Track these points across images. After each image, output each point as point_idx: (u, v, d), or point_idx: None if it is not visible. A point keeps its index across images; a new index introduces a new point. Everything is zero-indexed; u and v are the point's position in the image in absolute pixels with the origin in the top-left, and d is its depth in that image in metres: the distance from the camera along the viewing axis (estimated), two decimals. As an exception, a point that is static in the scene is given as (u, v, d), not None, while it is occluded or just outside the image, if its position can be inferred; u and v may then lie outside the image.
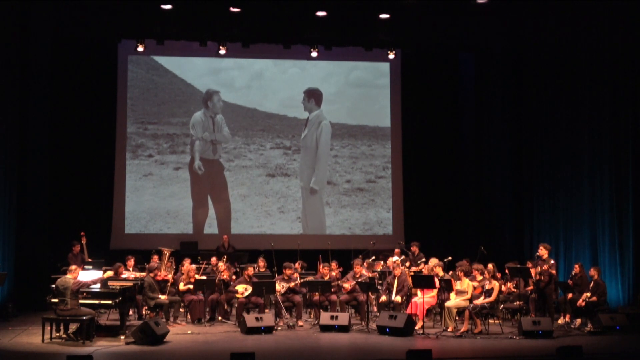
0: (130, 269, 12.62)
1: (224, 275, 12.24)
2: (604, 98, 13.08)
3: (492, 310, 11.13)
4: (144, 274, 12.15)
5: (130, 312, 11.88)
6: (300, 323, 11.74)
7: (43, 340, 10.06)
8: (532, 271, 11.46)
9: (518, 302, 11.64)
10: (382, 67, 17.14)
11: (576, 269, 11.91)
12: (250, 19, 14.54)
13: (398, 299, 11.72)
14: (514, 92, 15.68)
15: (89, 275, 10.76)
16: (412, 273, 12.67)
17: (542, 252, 11.74)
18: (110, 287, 10.76)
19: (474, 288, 11.29)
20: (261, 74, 16.90)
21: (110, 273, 11.14)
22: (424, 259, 13.61)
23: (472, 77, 16.80)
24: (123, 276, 11.61)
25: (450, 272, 12.17)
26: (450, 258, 12.89)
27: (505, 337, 10.72)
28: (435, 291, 11.60)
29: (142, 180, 16.27)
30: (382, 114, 17.14)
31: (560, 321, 11.72)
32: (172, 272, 12.49)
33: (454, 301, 11.21)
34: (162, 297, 11.64)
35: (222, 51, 15.37)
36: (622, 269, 12.51)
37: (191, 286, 11.98)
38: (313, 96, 16.85)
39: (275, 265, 13.60)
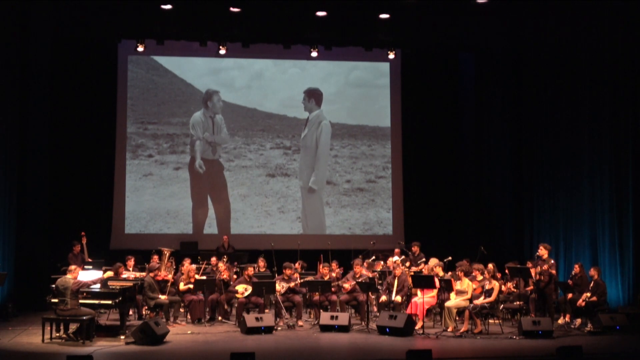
0: (130, 269, 12.61)
1: (223, 275, 12.24)
2: (604, 98, 13.08)
3: (492, 310, 11.13)
4: (144, 274, 12.15)
5: (130, 312, 11.88)
6: (300, 323, 11.74)
7: (43, 340, 10.06)
8: (532, 271, 11.46)
9: (518, 302, 11.64)
10: (382, 67, 17.14)
11: (576, 269, 11.92)
12: (250, 19, 14.54)
13: (398, 298, 11.72)
14: (514, 92, 15.68)
15: (89, 275, 10.76)
16: (412, 273, 12.67)
17: (542, 252, 11.74)
18: (110, 287, 10.76)
19: (474, 288, 11.28)
20: (261, 74, 16.90)
21: (110, 273, 11.15)
22: (424, 259, 13.61)
23: (472, 77, 16.80)
24: (123, 276, 11.60)
25: (450, 273, 12.16)
26: (450, 258, 12.89)
27: (505, 337, 10.72)
28: (435, 291, 11.60)
29: (142, 180, 16.27)
30: (382, 114, 17.14)
31: (560, 321, 11.72)
32: (172, 272, 12.49)
33: (454, 301, 11.21)
34: (162, 297, 11.64)
35: (222, 51, 15.37)
36: (622, 269, 12.51)
37: (191, 286, 11.98)
38: (313, 96, 16.86)
39: (275, 265, 13.60)
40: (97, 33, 14.88)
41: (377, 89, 17.21)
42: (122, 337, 10.29)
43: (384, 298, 11.95)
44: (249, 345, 9.94)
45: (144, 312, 11.91)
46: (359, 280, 12.00)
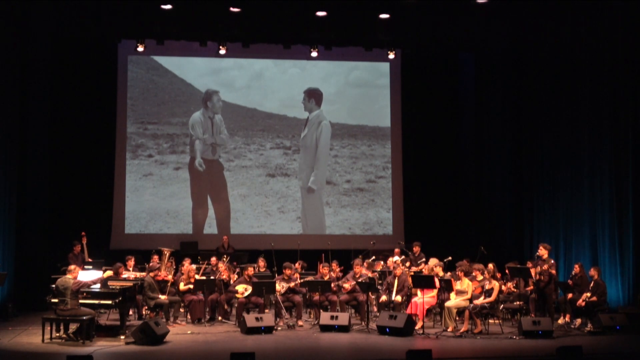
0: (130, 269, 12.61)
1: (223, 275, 12.24)
2: (604, 98, 13.07)
3: (492, 310, 11.13)
4: (144, 274, 12.15)
5: (130, 312, 11.88)
6: (300, 323, 11.74)
7: (43, 340, 10.06)
8: (532, 271, 11.45)
9: (518, 302, 11.64)
10: (382, 67, 17.14)
11: (576, 269, 11.92)
12: (250, 19, 14.53)
13: (398, 298, 11.72)
14: (514, 92, 15.68)
15: (89, 275, 10.76)
16: (412, 273, 12.67)
17: (542, 252, 11.74)
18: (110, 287, 10.76)
19: (474, 288, 11.29)
20: (261, 74, 16.90)
21: (110, 273, 11.15)
22: (424, 259, 13.61)
23: (472, 77, 16.80)
24: (123, 276, 11.60)
25: (450, 273, 12.16)
26: (450, 258, 12.89)
27: (505, 337, 10.72)
28: (435, 291, 11.60)
29: (142, 180, 16.27)
30: (382, 114, 17.14)
31: (560, 321, 11.72)
32: (172, 272, 12.50)
33: (454, 301, 11.21)
34: (162, 297, 11.64)
35: (222, 51, 15.37)
36: (622, 269, 12.51)
37: (191, 286, 11.98)
38: (313, 96, 16.86)
39: (275, 265, 13.60)
40: (97, 33, 14.89)
41: (377, 89, 17.20)
42: (122, 337, 10.29)
43: (384, 298, 11.95)
44: (249, 345, 9.95)
45: (144, 312, 11.91)
46: (359, 280, 12.00)
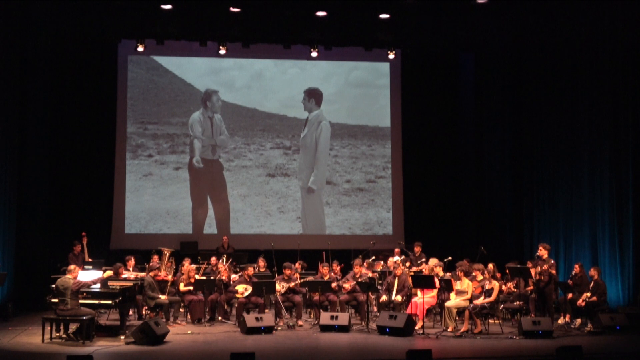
0: (130, 269, 12.61)
1: (222, 275, 12.24)
2: (604, 98, 13.08)
3: (492, 310, 11.13)
4: (144, 274, 12.15)
5: (130, 312, 11.87)
6: (300, 323, 11.74)
7: (43, 340, 10.06)
8: (532, 271, 11.46)
9: (518, 302, 11.63)
10: (382, 67, 17.14)
11: (576, 269, 11.92)
12: (250, 19, 14.54)
13: (399, 298, 11.72)
14: (514, 92, 15.68)
15: (89, 275, 10.76)
16: (412, 273, 12.67)
17: (542, 252, 11.74)
18: (110, 287, 10.76)
19: (474, 288, 11.29)
20: (261, 74, 16.90)
21: (110, 273, 11.15)
22: (424, 259, 13.60)
23: (472, 77, 16.80)
24: (123, 276, 11.61)
25: (449, 273, 12.15)
26: (450, 258, 12.89)
27: (505, 337, 10.72)
28: (435, 291, 11.60)
29: (142, 180, 16.27)
30: (382, 114, 17.14)
31: (560, 321, 11.72)
32: (172, 272, 12.50)
33: (454, 301, 11.21)
34: (162, 297, 11.64)
35: (222, 51, 15.38)
36: (622, 269, 12.51)
37: (191, 288, 11.98)
38: (313, 96, 16.86)
39: (275, 265, 13.60)
40: (97, 33, 14.88)
41: (377, 89, 17.20)
42: (122, 337, 10.29)
43: (384, 298, 11.95)
44: (249, 345, 9.95)
45: (144, 312, 11.91)
46: (359, 280, 12.00)
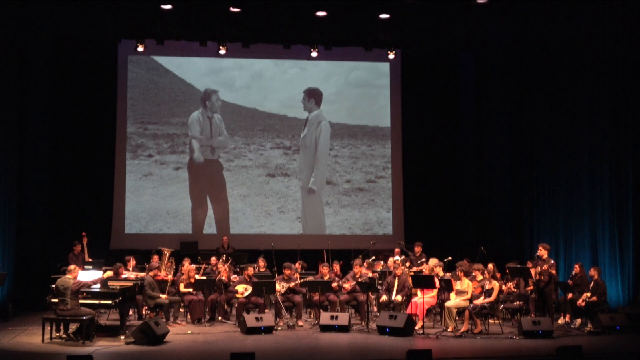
0: (130, 269, 12.61)
1: (223, 275, 12.24)
2: (604, 98, 13.07)
3: (492, 310, 11.13)
4: (144, 274, 12.15)
5: (130, 312, 11.87)
6: (300, 323, 11.74)
7: (43, 340, 10.06)
8: (532, 271, 11.46)
9: (518, 302, 11.63)
10: (382, 67, 17.13)
11: (576, 269, 11.92)
12: (250, 19, 14.54)
13: (399, 298, 11.72)
14: (514, 92, 15.67)
15: (89, 275, 10.76)
16: (412, 273, 12.66)
17: (542, 252, 11.75)
18: (110, 287, 10.76)
19: (474, 288, 11.29)
20: (261, 74, 16.90)
21: (110, 273, 11.16)
22: (424, 259, 13.60)
23: (472, 77, 16.79)
24: (123, 276, 11.61)
25: (449, 273, 12.15)
26: (450, 258, 12.88)
27: (505, 337, 10.72)
28: (435, 291, 11.60)
29: (142, 180, 16.27)
30: (382, 114, 17.14)
31: (560, 321, 11.72)
32: (172, 272, 12.50)
33: (454, 301, 11.21)
34: (163, 296, 11.65)
35: (222, 51, 15.38)
36: (622, 269, 12.51)
37: (192, 290, 11.98)
38: (313, 96, 16.85)
39: (275, 265, 13.59)
40: (97, 33, 14.89)
41: (377, 89, 17.20)
42: (122, 337, 10.29)
43: (384, 298, 11.95)
44: (249, 345, 9.95)
45: (144, 312, 11.91)
46: (359, 280, 12.00)
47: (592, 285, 11.56)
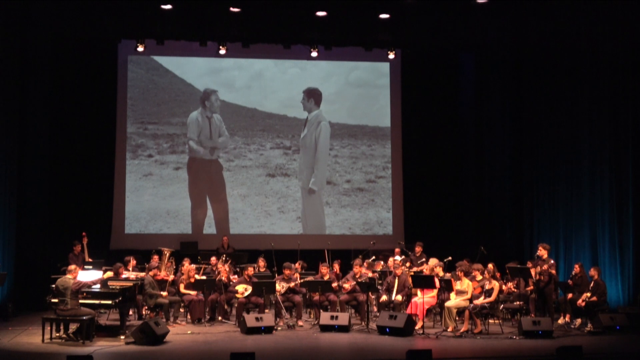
0: (130, 269, 12.61)
1: (223, 275, 12.25)
2: (604, 98, 13.08)
3: (492, 310, 11.13)
4: (144, 274, 12.15)
5: (130, 312, 11.87)
6: (300, 323, 11.75)
7: (43, 340, 10.06)
8: (532, 271, 11.46)
9: (518, 302, 11.64)
10: (382, 67, 17.13)
11: (576, 269, 11.93)
12: (250, 19, 14.53)
13: (399, 297, 11.72)
14: (514, 93, 15.67)
15: (89, 276, 10.76)
16: (412, 273, 12.67)
17: (542, 252, 11.75)
18: (110, 287, 10.76)
19: (474, 288, 11.29)
20: (261, 74, 16.89)
21: (110, 273, 11.16)
22: (424, 259, 13.60)
23: (472, 77, 16.79)
24: (123, 276, 11.61)
25: (449, 273, 12.15)
26: (450, 258, 12.89)
27: (505, 337, 10.73)
28: (435, 291, 11.60)
29: (142, 180, 16.26)
30: (382, 114, 17.14)
31: (560, 321, 11.72)
32: (172, 272, 12.51)
33: (454, 301, 11.21)
34: (163, 294, 11.66)
35: (222, 51, 15.37)
36: (622, 269, 12.52)
37: (192, 292, 11.98)
38: (313, 96, 16.85)
39: (275, 265, 13.60)
40: (97, 33, 14.87)
41: (377, 89, 17.20)
42: (122, 337, 10.29)
43: (384, 298, 11.95)
44: (249, 345, 9.95)
45: (144, 312, 11.91)
46: (359, 280, 12.00)
47: (592, 285, 11.56)
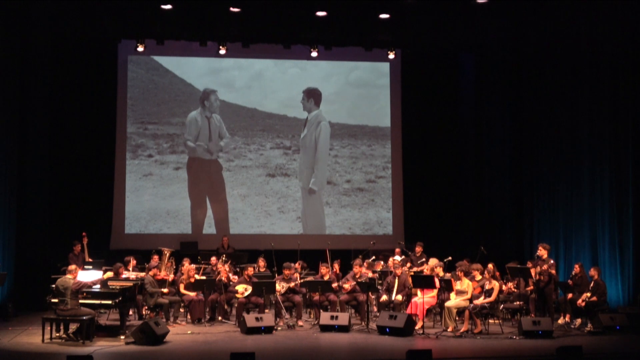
0: (131, 269, 12.61)
1: (222, 275, 12.25)
2: (604, 98, 13.07)
3: (492, 310, 11.13)
4: (144, 274, 12.16)
5: (130, 312, 11.87)
6: (300, 323, 11.75)
7: (43, 340, 10.06)
8: (532, 271, 11.46)
9: (518, 302, 11.64)
10: (382, 67, 17.13)
11: (576, 269, 11.93)
12: (250, 19, 14.53)
13: (399, 297, 11.72)
14: (514, 92, 15.67)
15: (89, 276, 10.76)
16: (412, 273, 12.67)
17: (542, 252, 11.75)
18: (110, 287, 10.76)
19: (474, 288, 11.29)
20: (261, 74, 16.89)
21: (110, 274, 11.16)
22: (424, 259, 13.60)
23: (472, 77, 16.79)
24: (123, 276, 11.61)
25: (449, 273, 12.15)
26: (450, 258, 12.89)
27: (505, 337, 10.73)
28: (435, 291, 11.60)
29: (142, 180, 16.26)
30: (382, 114, 17.14)
31: (560, 321, 11.72)
32: (172, 272, 12.51)
33: (454, 301, 11.21)
34: (164, 290, 11.67)
35: (222, 51, 15.36)
36: (622, 269, 12.51)
37: (192, 293, 11.98)
38: (312, 96, 16.85)
39: (275, 265, 13.60)
40: (97, 33, 14.87)
41: (377, 89, 17.20)
42: (122, 337, 10.29)
43: (384, 298, 11.95)
44: (249, 345, 9.95)
45: (144, 312, 11.91)
46: (359, 280, 12.00)
47: (592, 285, 11.56)
